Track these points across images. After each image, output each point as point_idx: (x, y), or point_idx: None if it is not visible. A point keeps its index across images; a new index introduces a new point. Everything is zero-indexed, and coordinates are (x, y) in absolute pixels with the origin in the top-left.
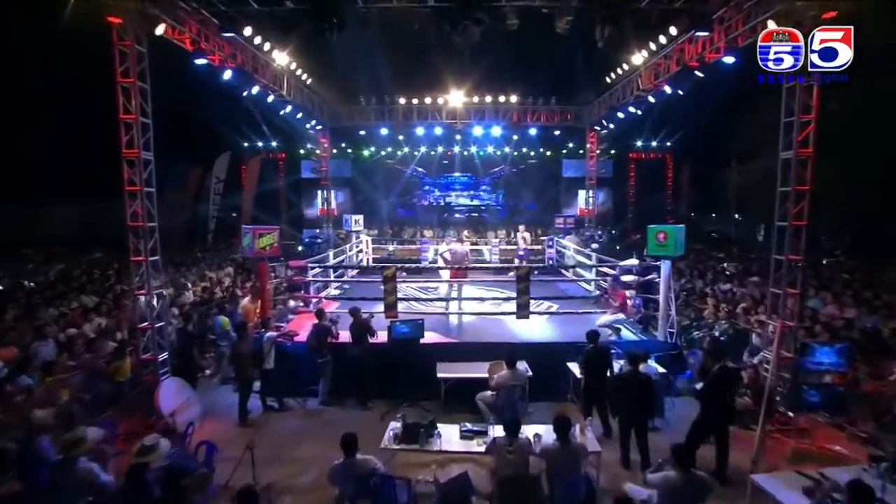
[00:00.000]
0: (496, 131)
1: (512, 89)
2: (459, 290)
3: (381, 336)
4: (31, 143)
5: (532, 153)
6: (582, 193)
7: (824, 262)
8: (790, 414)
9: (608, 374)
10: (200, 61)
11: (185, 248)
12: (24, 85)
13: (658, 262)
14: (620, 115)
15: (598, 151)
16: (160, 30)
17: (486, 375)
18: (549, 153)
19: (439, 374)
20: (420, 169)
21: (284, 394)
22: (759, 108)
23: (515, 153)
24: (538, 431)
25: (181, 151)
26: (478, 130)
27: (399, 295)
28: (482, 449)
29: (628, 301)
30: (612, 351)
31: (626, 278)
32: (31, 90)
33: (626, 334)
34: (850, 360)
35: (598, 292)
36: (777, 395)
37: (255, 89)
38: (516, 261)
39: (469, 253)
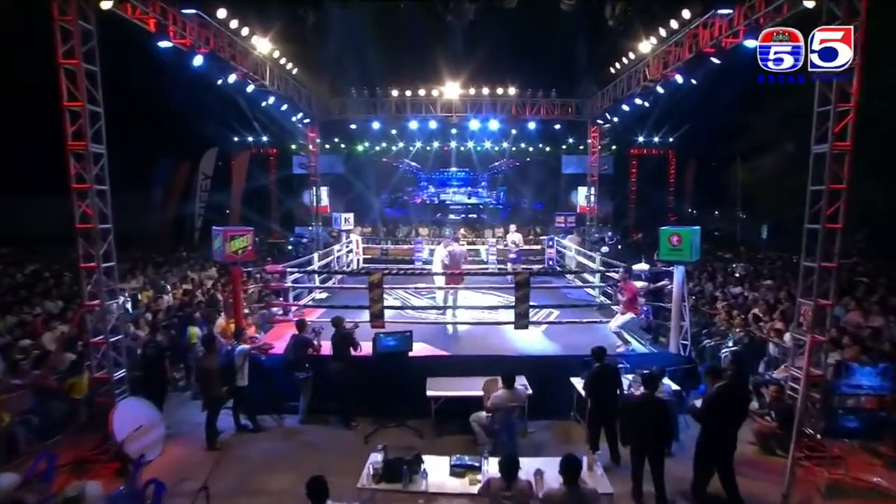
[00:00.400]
0: (494, 125)
1: (510, 81)
2: (455, 296)
3: (366, 348)
4: (15, 135)
5: (531, 148)
6: (582, 190)
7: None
8: (818, 437)
9: (617, 392)
10: (164, 44)
11: (170, 248)
12: (14, 77)
13: (670, 268)
14: (625, 107)
15: (599, 147)
16: (107, 3)
17: (481, 394)
18: (548, 149)
19: (429, 393)
20: (414, 164)
21: (259, 411)
22: (766, 102)
23: (514, 149)
24: (540, 467)
25: (166, 146)
26: (474, 124)
27: (389, 301)
28: (475, 490)
29: (639, 297)
30: (620, 365)
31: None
32: (22, 81)
33: (637, 346)
34: (894, 382)
35: (602, 299)
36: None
37: (233, 78)
38: (509, 265)
39: (467, 253)
